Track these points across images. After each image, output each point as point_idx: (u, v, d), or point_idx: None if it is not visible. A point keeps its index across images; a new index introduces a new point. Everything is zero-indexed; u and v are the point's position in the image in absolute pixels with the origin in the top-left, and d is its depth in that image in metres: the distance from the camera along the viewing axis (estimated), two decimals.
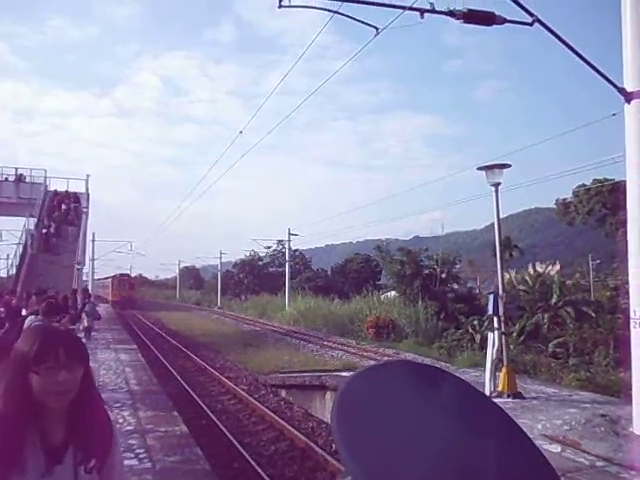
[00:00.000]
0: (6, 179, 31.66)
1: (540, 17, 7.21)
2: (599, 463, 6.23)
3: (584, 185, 49.74)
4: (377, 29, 7.54)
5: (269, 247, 61.16)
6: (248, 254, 64.52)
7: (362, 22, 7.56)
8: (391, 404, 0.67)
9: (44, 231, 25.45)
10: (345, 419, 0.63)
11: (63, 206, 28.07)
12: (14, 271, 25.22)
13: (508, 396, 9.77)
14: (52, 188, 31.52)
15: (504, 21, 7.43)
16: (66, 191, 29.78)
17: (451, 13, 7.13)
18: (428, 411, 0.67)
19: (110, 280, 57.03)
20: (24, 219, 28.05)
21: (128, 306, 49.55)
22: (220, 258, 64.67)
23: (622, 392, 11.24)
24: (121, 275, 58.05)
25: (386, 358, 20.24)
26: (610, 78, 7.49)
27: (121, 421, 8.66)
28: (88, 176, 32.34)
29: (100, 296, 57.70)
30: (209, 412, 11.75)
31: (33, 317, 6.87)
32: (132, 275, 65.11)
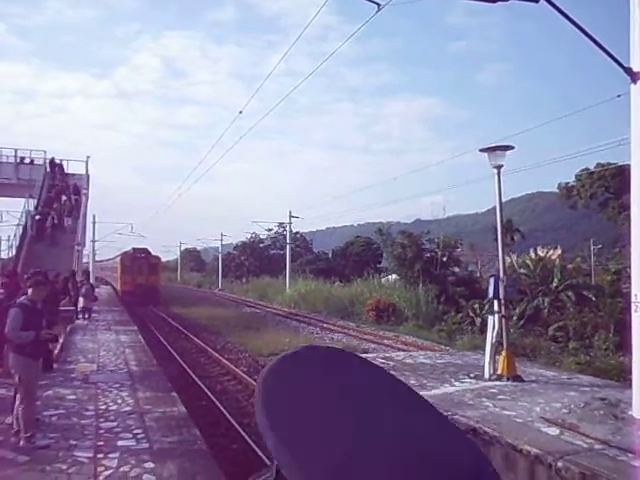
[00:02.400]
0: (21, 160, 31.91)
1: None
2: (597, 446, 6.21)
3: (587, 169, 49.47)
4: (379, 5, 7.37)
5: (270, 229, 61.12)
6: (249, 236, 64.52)
7: None
8: (307, 390, 0.70)
9: (37, 217, 25.29)
10: (269, 408, 0.65)
11: (63, 197, 27.79)
12: (14, 252, 25.17)
13: (507, 379, 9.75)
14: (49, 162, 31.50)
15: None
16: (66, 181, 29.54)
17: None
18: (340, 394, 0.71)
19: (119, 260, 37.95)
20: (24, 200, 27.93)
21: (147, 299, 32.73)
22: (221, 240, 64.67)
23: (622, 376, 11.24)
24: (136, 251, 37.00)
25: (386, 341, 20.29)
26: (616, 57, 7.33)
27: (119, 402, 8.68)
28: (88, 157, 32.12)
29: (107, 282, 49.28)
30: (209, 393, 11.78)
31: (23, 298, 6.85)
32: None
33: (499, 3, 7.51)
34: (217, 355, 16.46)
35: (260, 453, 8.15)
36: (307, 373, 0.72)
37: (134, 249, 37.69)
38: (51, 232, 25.10)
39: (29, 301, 6.75)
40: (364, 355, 13.70)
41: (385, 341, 20.31)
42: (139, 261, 35.83)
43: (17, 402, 6.58)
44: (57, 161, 31.79)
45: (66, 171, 31.69)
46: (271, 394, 0.67)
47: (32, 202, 27.00)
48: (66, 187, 28.44)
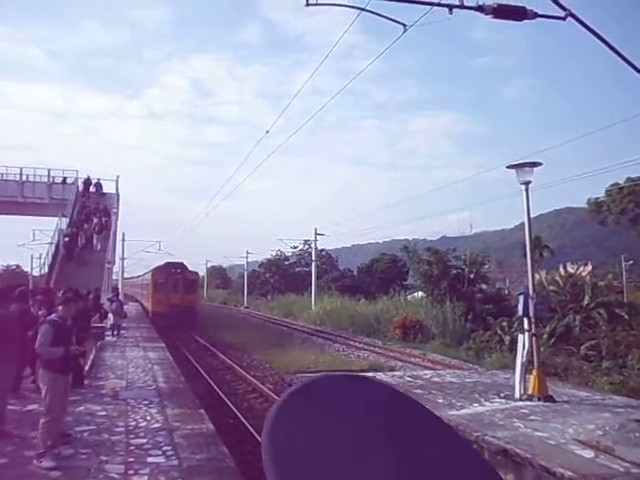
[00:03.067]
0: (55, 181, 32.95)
1: (573, 11, 7.02)
2: (634, 470, 6.04)
3: (617, 184, 48.59)
4: (405, 26, 7.45)
5: (295, 247, 61.36)
6: (274, 254, 64.85)
7: (390, 19, 7.48)
8: (322, 423, 0.64)
9: (67, 239, 25.85)
10: (277, 448, 0.59)
11: (94, 219, 28.38)
12: (46, 270, 25.79)
13: (539, 399, 9.56)
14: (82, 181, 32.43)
15: (535, 15, 7.26)
16: (98, 202, 30.36)
17: (480, 8, 7.00)
18: (357, 425, 0.64)
19: (150, 276, 33.57)
20: (56, 219, 28.68)
21: (184, 323, 28.66)
22: (247, 258, 65.07)
23: None
24: (170, 265, 32.76)
25: (413, 359, 20.08)
26: None
27: (149, 418, 8.76)
28: (118, 177, 32.93)
29: (135, 299, 48.02)
30: (235, 410, 11.80)
31: (53, 315, 7.02)
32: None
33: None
34: (243, 372, 16.50)
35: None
36: (319, 412, 0.65)
37: (168, 263, 32.96)
38: (80, 252, 25.63)
39: (59, 318, 6.91)
40: (390, 373, 13.61)
41: (412, 359, 20.09)
42: (174, 277, 30.89)
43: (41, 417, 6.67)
44: (94, 180, 32.56)
45: (103, 190, 32.50)
46: (279, 446, 0.60)
47: (64, 221, 27.67)
48: (97, 209, 29.04)
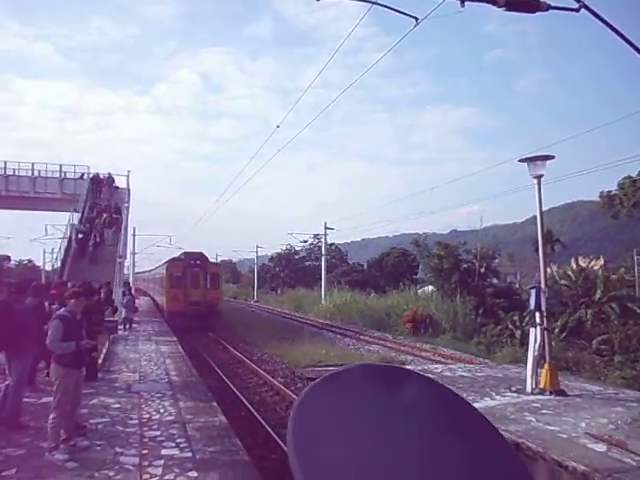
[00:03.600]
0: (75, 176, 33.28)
1: (586, 3, 6.95)
2: None
3: (630, 177, 48.08)
4: (417, 19, 7.42)
5: (305, 241, 61.44)
6: (284, 248, 64.93)
7: (401, 12, 7.45)
8: (352, 415, 0.63)
9: (80, 236, 25.77)
10: (303, 436, 0.59)
11: (104, 215, 28.29)
12: (59, 264, 26.04)
13: (550, 393, 9.54)
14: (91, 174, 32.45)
15: (548, 7, 7.19)
16: (108, 199, 29.86)
17: (493, 1, 6.95)
18: (391, 417, 0.63)
19: (165, 269, 29.34)
20: (68, 214, 28.90)
21: (205, 323, 25.49)
22: (256, 252, 65.23)
23: None
24: (188, 256, 28.94)
25: (423, 353, 20.08)
26: None
27: (162, 411, 8.86)
28: (129, 172, 33.04)
29: (150, 296, 43.71)
30: (247, 404, 11.89)
31: (62, 310, 7.08)
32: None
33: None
34: (254, 366, 16.60)
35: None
36: (354, 398, 0.64)
37: (186, 254, 29.18)
38: (93, 250, 25.54)
39: (68, 312, 6.95)
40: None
41: (423, 353, 20.09)
42: (193, 270, 27.14)
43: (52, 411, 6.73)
44: (105, 175, 32.53)
45: (116, 183, 32.28)
46: (308, 424, 0.60)
47: (76, 216, 27.87)
48: (108, 206, 28.68)
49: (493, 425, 0.70)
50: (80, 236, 25.86)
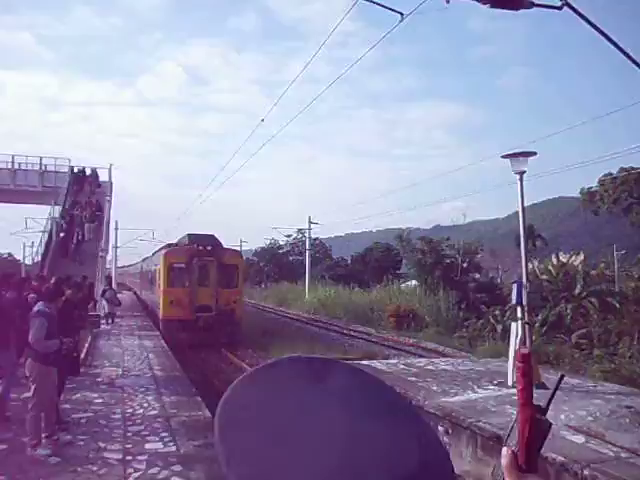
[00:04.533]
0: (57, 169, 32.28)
1: (569, 1, 7.03)
2: (624, 454, 6.16)
3: (610, 174, 48.81)
4: (402, 14, 7.44)
5: (289, 235, 61.33)
6: (268, 242, 64.79)
7: (387, 7, 7.47)
8: (279, 404, 0.65)
9: (62, 235, 25.22)
10: (229, 429, 0.62)
11: (85, 212, 27.67)
12: (39, 258, 25.68)
13: None
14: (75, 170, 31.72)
15: (532, 5, 7.25)
16: (88, 197, 29.16)
17: None
18: (317, 405, 0.65)
19: (162, 259, 20.91)
20: (49, 207, 28.50)
21: (219, 337, 18.92)
22: (240, 246, 64.83)
23: None
24: (194, 240, 20.98)
25: (407, 347, 20.24)
26: None
27: (145, 405, 8.83)
28: (111, 165, 32.67)
29: (137, 295, 39.87)
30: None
31: (41, 304, 6.94)
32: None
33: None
34: (238, 360, 16.57)
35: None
36: (281, 391, 0.66)
37: (191, 237, 21.00)
38: (75, 248, 24.97)
39: (49, 308, 6.84)
40: (384, 361, 13.72)
41: (406, 347, 20.25)
42: (202, 260, 19.68)
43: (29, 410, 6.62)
44: (89, 170, 32.01)
45: (99, 180, 31.63)
46: (234, 418, 0.63)
47: (57, 209, 27.50)
48: (89, 203, 28.01)
49: (417, 411, 0.73)
50: (62, 235, 25.32)
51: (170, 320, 19.30)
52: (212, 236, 21.42)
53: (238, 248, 61.77)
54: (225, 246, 22.29)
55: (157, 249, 26.75)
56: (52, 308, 6.88)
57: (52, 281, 9.48)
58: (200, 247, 19.98)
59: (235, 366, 15.95)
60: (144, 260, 35.44)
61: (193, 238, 21.03)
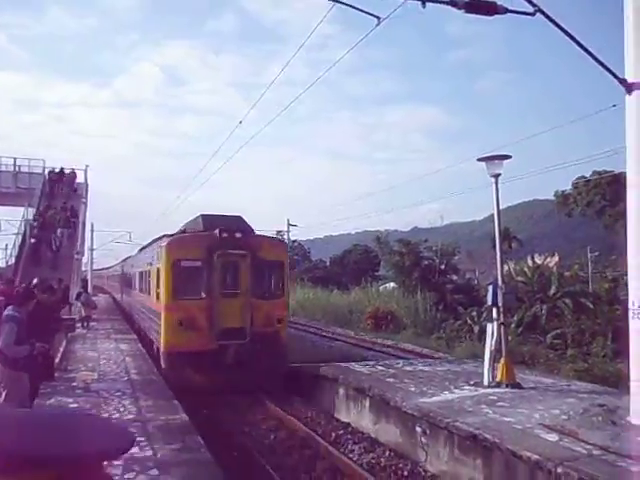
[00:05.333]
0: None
1: (542, 7, 7.18)
2: (596, 452, 6.28)
3: (583, 177, 49.77)
4: (379, 18, 7.51)
5: None
6: None
7: (363, 11, 7.53)
8: None
9: (33, 241, 24.58)
10: None
11: (59, 217, 26.89)
12: (13, 261, 25.18)
13: (506, 386, 9.82)
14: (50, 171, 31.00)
15: (506, 11, 7.40)
16: (64, 202, 28.51)
17: (453, 3, 7.11)
18: None
19: (164, 255, 12.93)
20: (23, 209, 28.00)
21: (251, 374, 12.03)
22: None
23: (620, 383, 11.32)
24: (209, 224, 13.23)
25: (385, 349, 20.34)
26: (611, 69, 7.48)
27: (122, 410, 8.72)
28: (87, 166, 32.21)
29: (106, 291, 42.70)
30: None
31: (10, 307, 6.81)
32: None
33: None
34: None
35: (260, 459, 8.20)
36: None
37: (206, 218, 13.95)
38: (53, 257, 24.33)
39: (18, 313, 6.70)
40: (363, 363, 13.77)
41: (384, 349, 20.36)
42: (229, 256, 13.03)
43: None
44: (67, 170, 31.38)
45: (77, 182, 31.05)
46: None
47: (31, 211, 27.01)
48: (64, 209, 27.25)
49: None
50: (33, 241, 24.67)
51: (178, 354, 12.10)
52: (239, 218, 14.03)
53: None
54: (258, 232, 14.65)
55: (151, 240, 17.55)
56: (22, 312, 6.74)
57: (23, 285, 9.33)
58: (225, 234, 12.62)
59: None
60: (125, 260, 30.13)
61: (210, 221, 13.34)
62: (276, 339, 12.78)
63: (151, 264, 15.46)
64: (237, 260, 12.89)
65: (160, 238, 14.99)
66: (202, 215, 13.90)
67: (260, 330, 12.59)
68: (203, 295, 12.66)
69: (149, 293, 15.64)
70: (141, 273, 18.65)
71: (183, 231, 14.37)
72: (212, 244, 12.62)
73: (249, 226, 13.89)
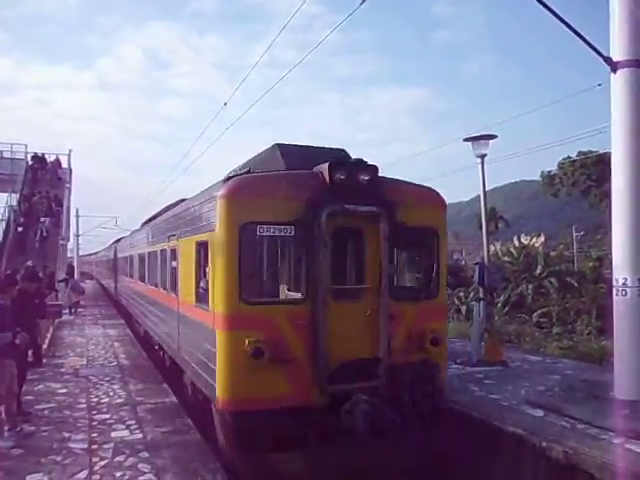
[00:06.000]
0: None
1: None
2: (580, 426, 6.41)
3: (569, 157, 50.09)
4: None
5: None
6: None
7: None
8: None
9: (19, 230, 24.21)
10: None
11: (44, 203, 26.46)
12: None
13: (493, 364, 9.96)
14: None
15: None
16: (47, 191, 27.98)
17: None
18: None
19: (218, 212, 6.30)
20: (6, 195, 27.66)
21: (397, 446, 6.26)
22: None
23: (604, 359, 11.53)
24: (296, 164, 6.75)
25: None
26: (596, 47, 7.47)
27: (111, 394, 8.72)
28: (70, 151, 31.77)
29: (93, 276, 41.81)
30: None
31: None
32: None
33: None
34: None
35: None
36: None
37: (285, 150, 7.33)
38: (38, 246, 24.01)
39: (1, 299, 6.62)
40: None
41: None
42: (346, 217, 6.47)
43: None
44: (52, 157, 30.86)
45: (61, 170, 30.55)
46: None
47: (15, 197, 26.67)
48: (47, 197, 26.82)
49: None
50: (20, 229, 24.34)
51: (253, 416, 6.07)
52: (343, 152, 7.76)
53: None
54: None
55: (202, 191, 8.23)
56: (4, 299, 6.68)
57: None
58: (340, 175, 6.47)
59: None
60: (120, 241, 23.97)
61: (298, 155, 7.30)
62: (431, 376, 6.62)
63: (178, 237, 8.90)
64: (363, 226, 6.73)
65: (213, 187, 7.17)
66: (279, 145, 7.54)
67: (404, 359, 6.61)
68: (300, 295, 6.55)
69: (172, 289, 9.41)
70: (154, 254, 11.87)
71: (247, 171, 7.04)
72: (316, 194, 6.41)
73: (375, 167, 6.73)
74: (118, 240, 25.60)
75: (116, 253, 23.26)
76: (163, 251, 10.46)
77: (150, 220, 14.81)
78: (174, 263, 9.24)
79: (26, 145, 32.18)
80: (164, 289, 10.27)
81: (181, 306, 8.45)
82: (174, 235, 9.21)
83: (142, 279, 14.06)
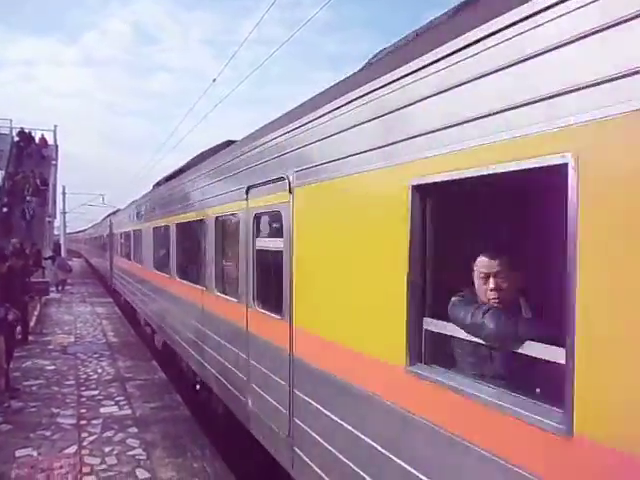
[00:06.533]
0: None
1: None
2: None
3: None
4: None
5: None
6: None
7: None
8: None
9: (5, 210, 23.83)
10: None
11: (28, 185, 25.97)
12: None
13: None
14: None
15: None
16: (32, 170, 27.59)
17: None
18: None
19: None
20: None
21: None
22: None
23: None
24: None
25: None
26: None
27: (100, 371, 8.75)
28: (56, 127, 31.18)
29: (81, 254, 43.28)
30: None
31: None
32: None
33: None
34: None
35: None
36: None
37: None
38: (25, 227, 23.63)
39: None
40: None
41: None
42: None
43: None
44: (38, 135, 30.29)
45: (46, 149, 30.06)
46: None
47: (1, 174, 26.23)
48: (32, 176, 26.40)
49: None
50: (5, 210, 23.97)
51: None
52: None
53: None
54: None
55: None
56: None
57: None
58: None
59: None
60: (114, 215, 20.50)
61: None
62: None
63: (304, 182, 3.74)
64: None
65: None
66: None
67: None
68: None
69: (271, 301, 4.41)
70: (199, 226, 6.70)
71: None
72: None
73: None
74: (114, 212, 21.78)
75: (112, 229, 19.01)
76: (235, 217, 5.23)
77: (171, 177, 9.23)
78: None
79: (11, 120, 31.56)
80: (234, 297, 5.12)
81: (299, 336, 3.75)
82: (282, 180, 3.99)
83: (163, 269, 8.83)
